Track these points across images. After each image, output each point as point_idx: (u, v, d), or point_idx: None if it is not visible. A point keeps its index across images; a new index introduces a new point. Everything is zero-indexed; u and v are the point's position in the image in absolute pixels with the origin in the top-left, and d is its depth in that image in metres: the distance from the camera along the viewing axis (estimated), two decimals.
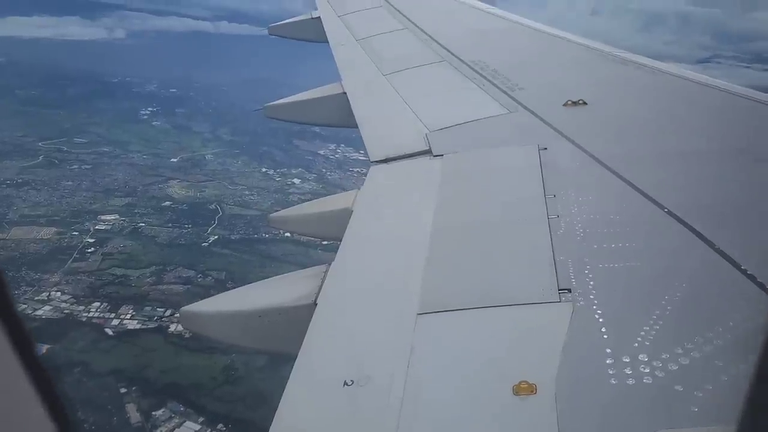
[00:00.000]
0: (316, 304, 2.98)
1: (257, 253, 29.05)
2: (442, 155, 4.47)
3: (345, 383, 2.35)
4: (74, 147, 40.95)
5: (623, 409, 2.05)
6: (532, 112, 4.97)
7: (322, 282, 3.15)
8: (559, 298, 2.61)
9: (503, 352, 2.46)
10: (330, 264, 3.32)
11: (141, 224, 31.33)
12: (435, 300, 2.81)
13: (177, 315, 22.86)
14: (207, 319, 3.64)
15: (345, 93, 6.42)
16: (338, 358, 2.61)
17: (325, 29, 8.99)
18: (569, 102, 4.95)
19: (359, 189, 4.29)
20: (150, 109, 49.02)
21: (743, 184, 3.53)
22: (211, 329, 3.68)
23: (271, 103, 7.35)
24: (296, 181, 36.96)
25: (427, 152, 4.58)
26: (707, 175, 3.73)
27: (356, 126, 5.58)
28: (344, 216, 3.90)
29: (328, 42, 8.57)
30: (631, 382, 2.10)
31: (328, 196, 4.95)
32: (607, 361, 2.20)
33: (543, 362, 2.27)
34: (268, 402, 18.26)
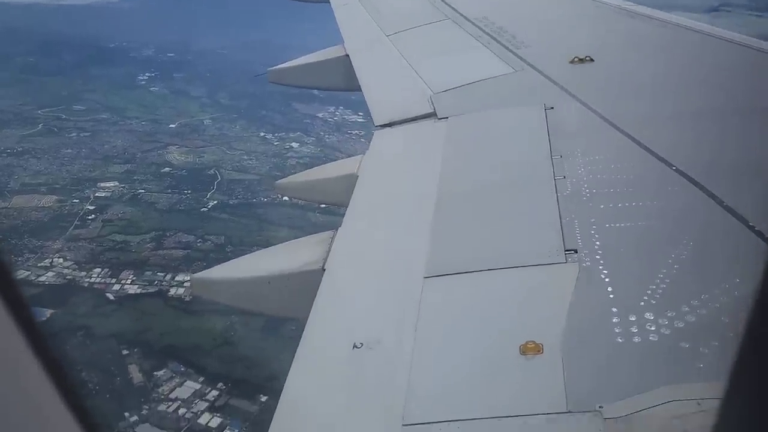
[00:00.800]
0: (324, 270, 3.01)
1: (255, 217, 29.23)
2: (446, 118, 4.43)
3: (354, 346, 2.39)
4: (73, 114, 40.58)
5: (629, 367, 2.08)
6: (539, 71, 4.88)
7: (330, 248, 3.17)
8: (566, 259, 2.62)
9: (510, 313, 2.49)
10: (337, 230, 3.34)
11: (140, 191, 31.38)
12: (441, 263, 2.83)
13: (177, 279, 23.50)
14: (217, 286, 3.69)
15: (347, 55, 6.32)
16: (347, 321, 2.65)
17: None
18: (576, 59, 4.86)
19: (364, 154, 4.27)
20: (148, 74, 48.20)
21: (753, 140, 3.48)
22: (221, 295, 3.74)
23: (274, 68, 7.26)
24: (294, 144, 36.59)
25: (432, 115, 4.54)
26: (716, 132, 3.67)
27: (360, 89, 5.52)
28: (350, 181, 3.90)
29: (329, 2, 8.41)
30: (637, 340, 2.12)
31: (334, 162, 4.94)
32: (614, 320, 2.22)
33: (549, 322, 2.29)
34: (265, 362, 18.81)
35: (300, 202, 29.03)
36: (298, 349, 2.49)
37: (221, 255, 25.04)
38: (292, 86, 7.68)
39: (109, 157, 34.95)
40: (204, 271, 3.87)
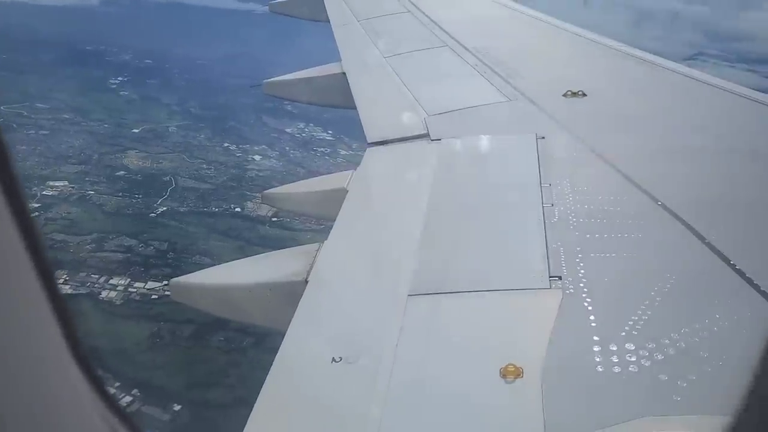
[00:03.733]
0: (307, 282, 2.98)
1: (203, 225, 29.10)
2: (439, 139, 4.46)
3: (333, 360, 2.36)
4: (35, 112, 39.91)
5: (608, 396, 2.08)
6: (532, 101, 4.96)
7: (314, 260, 3.15)
8: (550, 285, 2.63)
9: (492, 336, 2.48)
10: (322, 242, 3.32)
11: (90, 192, 30.87)
12: (426, 282, 2.82)
13: (111, 282, 23.28)
14: (196, 291, 3.64)
15: (344, 73, 6.37)
16: (327, 334, 2.62)
17: (327, 8, 8.90)
18: (569, 92, 4.94)
19: (355, 169, 4.27)
20: (120, 78, 47.64)
21: (736, 180, 3.56)
22: (200, 301, 3.68)
23: (270, 80, 7.28)
24: (257, 157, 36.35)
25: (425, 136, 4.56)
26: (701, 171, 3.75)
27: (354, 107, 5.54)
28: (339, 196, 3.89)
29: (329, 21, 8.49)
30: (616, 369, 2.12)
31: (324, 176, 4.94)
32: (595, 349, 2.22)
33: (531, 347, 2.29)
34: (187, 370, 18.58)
35: (252, 213, 29.19)
36: (275, 359, 2.45)
37: (161, 261, 24.96)
38: (286, 99, 7.71)
39: (63, 156, 34.40)
40: (183, 276, 3.82)
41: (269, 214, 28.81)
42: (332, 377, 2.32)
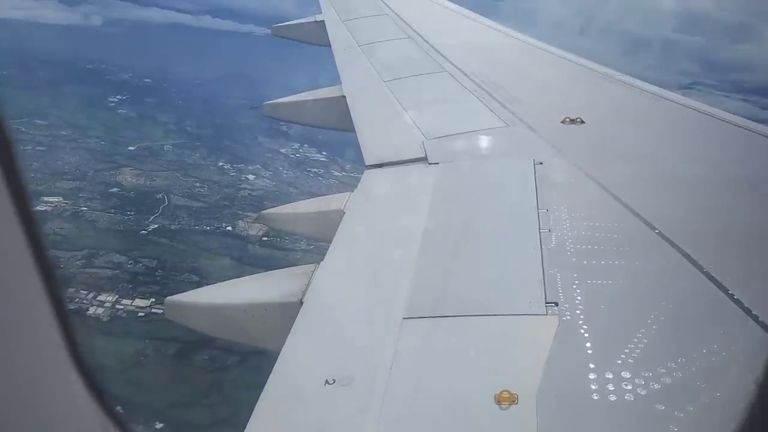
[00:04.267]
0: (302, 303, 2.96)
1: (193, 244, 29.19)
2: (437, 163, 4.48)
3: (327, 382, 2.33)
4: (33, 128, 40.18)
5: (603, 425, 2.05)
6: (530, 127, 4.99)
7: (310, 281, 3.13)
8: (546, 311, 2.61)
9: (487, 361, 2.46)
10: (318, 263, 3.31)
11: (83, 208, 31.04)
12: (422, 305, 2.81)
13: (99, 299, 23.15)
14: (190, 310, 3.61)
15: (344, 96, 6.42)
16: (321, 356, 2.60)
17: (329, 33, 9.00)
18: (567, 119, 4.98)
19: (352, 192, 4.28)
20: (119, 96, 48.17)
21: (734, 209, 3.57)
22: (194, 321, 3.65)
23: (270, 102, 7.34)
24: (251, 177, 36.64)
25: (423, 159, 4.58)
26: (699, 199, 3.76)
27: (353, 130, 5.57)
28: (336, 217, 3.89)
29: (330, 46, 8.58)
30: (612, 398, 2.10)
31: (321, 197, 4.94)
32: (590, 376, 2.20)
33: (526, 373, 2.26)
34: (170, 389, 18.39)
35: (243, 233, 29.20)
36: (268, 380, 2.42)
37: (149, 278, 24.94)
38: (285, 121, 7.76)
39: (59, 173, 34.56)
40: (178, 295, 3.79)
41: (260, 234, 28.92)
42: (325, 399, 2.29)
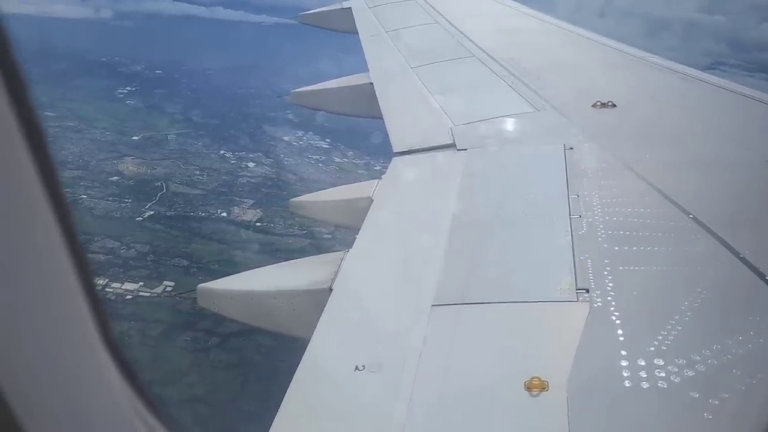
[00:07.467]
0: (331, 290, 2.99)
1: (187, 230, 29.62)
2: (466, 149, 4.44)
3: (356, 368, 2.35)
4: (42, 120, 41.51)
5: (635, 412, 2.03)
6: (561, 112, 4.91)
7: (339, 268, 3.16)
8: (577, 298, 2.59)
9: (517, 348, 2.45)
10: (347, 251, 3.33)
11: (83, 196, 31.71)
12: (451, 292, 2.80)
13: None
14: (221, 297, 3.68)
15: (371, 83, 6.40)
16: (351, 343, 2.62)
17: (355, 20, 8.97)
18: (598, 103, 4.89)
19: (380, 179, 4.28)
20: (129, 88, 48.63)
21: None
22: (225, 307, 3.72)
23: (297, 90, 7.37)
24: (251, 164, 36.79)
25: (452, 146, 4.55)
26: (734, 184, 3.65)
27: (380, 117, 5.56)
28: (364, 204, 3.90)
29: (357, 33, 8.55)
30: (645, 385, 2.07)
31: (349, 185, 4.96)
32: (622, 363, 2.18)
33: (556, 360, 2.25)
34: (151, 367, 18.71)
35: (237, 218, 29.56)
36: (299, 367, 2.45)
37: (140, 263, 25.45)
38: (312, 108, 7.78)
39: (62, 162, 35.16)
40: (210, 282, 3.86)
41: (254, 220, 29.33)
42: (355, 385, 2.31)
